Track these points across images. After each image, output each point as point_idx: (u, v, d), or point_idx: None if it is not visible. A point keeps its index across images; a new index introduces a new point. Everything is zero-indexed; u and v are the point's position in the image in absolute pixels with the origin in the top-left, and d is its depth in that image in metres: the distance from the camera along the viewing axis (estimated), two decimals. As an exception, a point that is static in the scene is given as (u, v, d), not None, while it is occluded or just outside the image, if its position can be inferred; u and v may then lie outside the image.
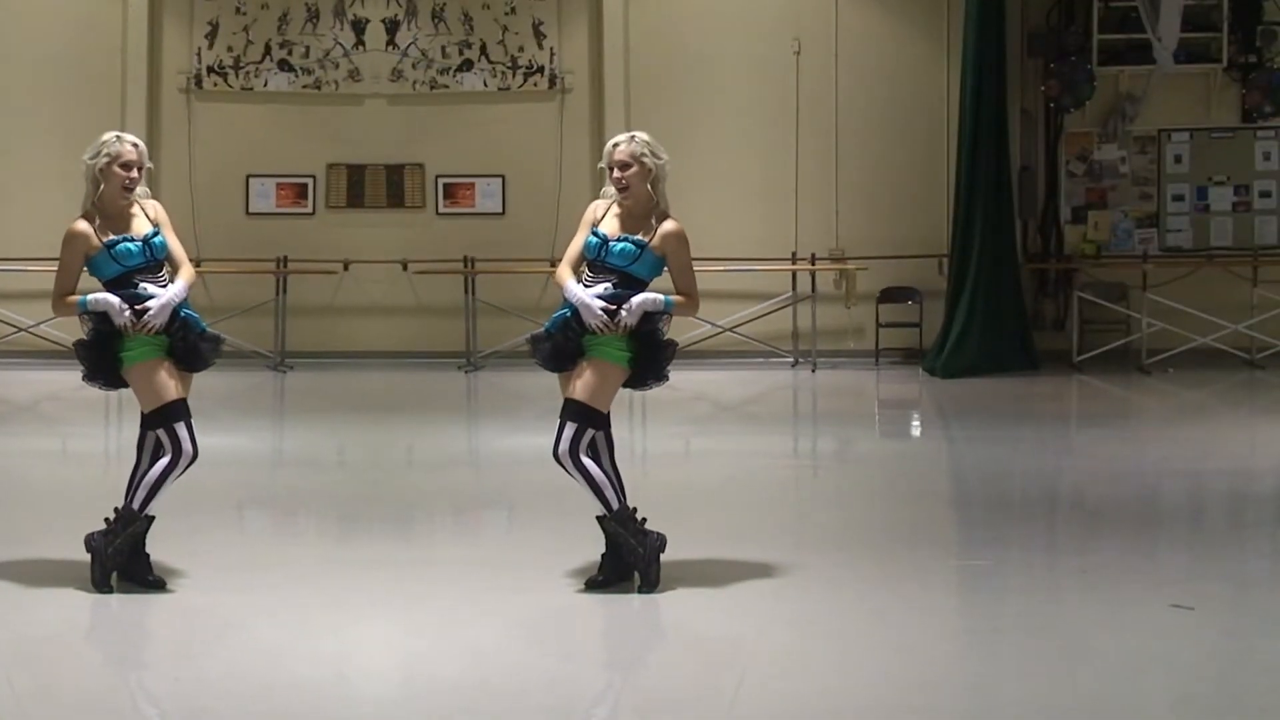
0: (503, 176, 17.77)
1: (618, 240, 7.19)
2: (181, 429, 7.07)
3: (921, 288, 17.47)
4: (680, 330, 7.41)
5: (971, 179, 16.66)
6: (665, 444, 12.34)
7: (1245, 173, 17.77)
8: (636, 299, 7.12)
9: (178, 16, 17.72)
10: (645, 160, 7.21)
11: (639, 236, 7.19)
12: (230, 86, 17.75)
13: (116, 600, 7.03)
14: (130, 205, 7.26)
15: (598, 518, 7.17)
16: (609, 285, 7.16)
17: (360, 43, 17.76)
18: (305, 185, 17.49)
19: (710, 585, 7.28)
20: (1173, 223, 17.85)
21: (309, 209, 17.56)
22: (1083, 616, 6.95)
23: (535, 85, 17.85)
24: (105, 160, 7.18)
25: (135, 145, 7.27)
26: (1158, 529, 9.21)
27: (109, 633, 6.81)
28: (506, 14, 17.83)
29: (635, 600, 7.04)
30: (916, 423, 14.90)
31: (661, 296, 7.18)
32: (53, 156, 16.46)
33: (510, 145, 17.76)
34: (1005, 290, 16.70)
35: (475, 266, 17.21)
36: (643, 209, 7.25)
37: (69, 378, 7.20)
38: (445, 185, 17.69)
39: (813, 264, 17.52)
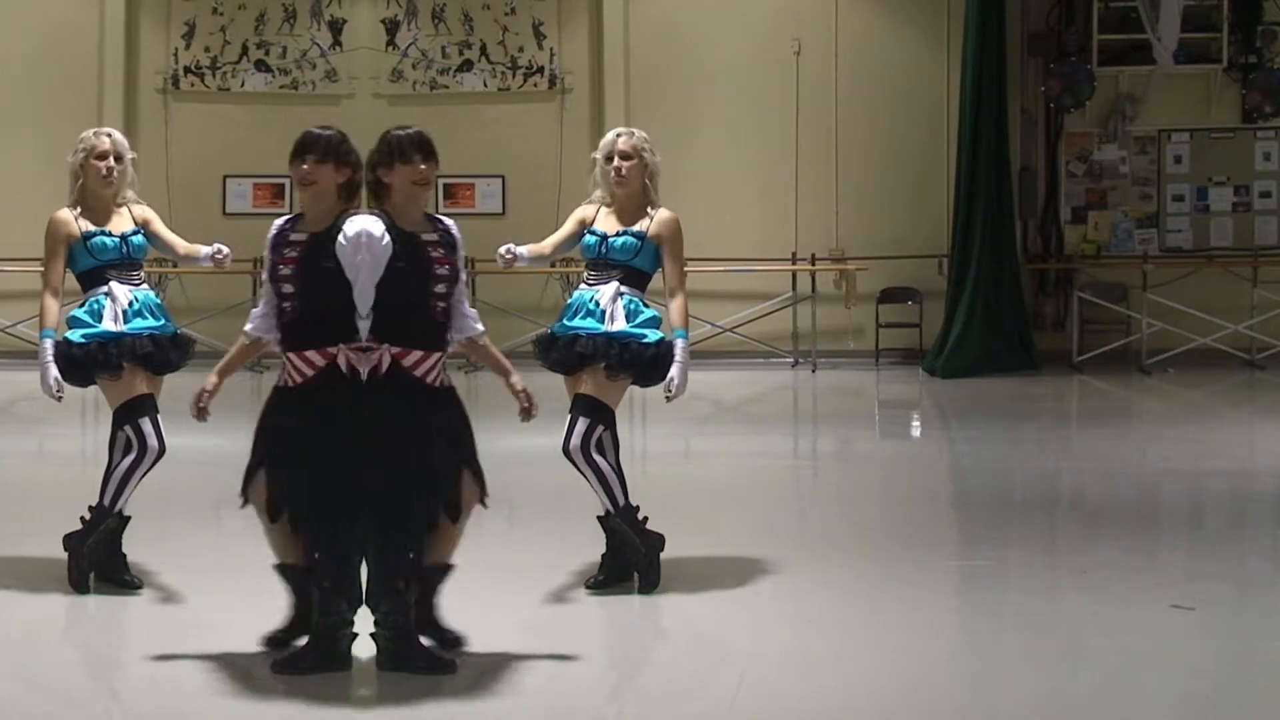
0: (503, 176, 17.79)
1: (617, 235, 7.16)
2: (146, 424, 7.04)
3: (921, 288, 17.48)
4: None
5: (971, 179, 16.67)
6: (665, 444, 12.33)
7: (1245, 173, 17.78)
8: (677, 371, 7.04)
9: (154, 17, 17.75)
10: (645, 155, 7.19)
11: (636, 229, 7.17)
12: (207, 87, 17.79)
13: (93, 600, 6.98)
14: (114, 200, 7.27)
15: (599, 517, 7.16)
16: (616, 283, 7.12)
17: (337, 43, 17.79)
18: (282, 185, 17.48)
19: (710, 585, 7.27)
20: (1173, 223, 17.85)
21: (286, 209, 17.57)
22: (1083, 616, 6.94)
23: (535, 85, 17.87)
24: (83, 155, 7.22)
25: (110, 135, 7.31)
26: (1158, 529, 9.21)
27: (85, 633, 6.76)
28: (506, 14, 17.85)
29: (635, 600, 7.03)
30: (916, 423, 14.89)
31: (679, 343, 7.09)
32: (29, 158, 16.52)
33: (510, 145, 17.76)
34: (1005, 290, 16.72)
35: (475, 266, 17.19)
36: (635, 203, 7.21)
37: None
38: (445, 185, 17.71)
39: (813, 264, 17.52)
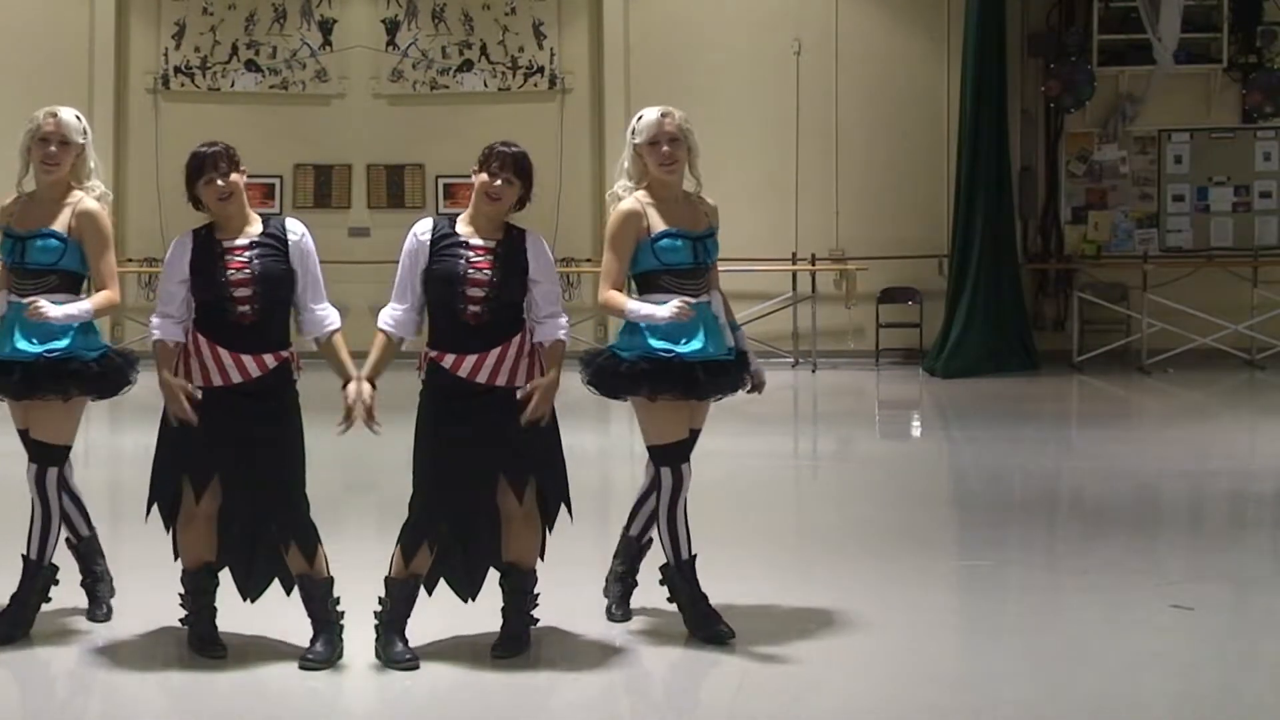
0: (503, 177, 17.77)
1: (705, 235, 6.42)
2: (32, 470, 6.59)
3: (921, 288, 17.48)
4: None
5: (971, 179, 16.67)
6: (665, 444, 12.30)
7: (1245, 173, 17.78)
8: (757, 366, 6.54)
9: (145, 17, 17.75)
10: (690, 136, 6.41)
11: (709, 224, 6.44)
12: (197, 87, 17.78)
13: (76, 603, 6.80)
14: (57, 192, 6.34)
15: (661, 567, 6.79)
16: (716, 291, 6.48)
17: (327, 43, 17.80)
18: (272, 186, 17.46)
19: (710, 585, 7.27)
20: (1173, 223, 17.85)
21: (276, 209, 17.56)
22: (1083, 616, 6.94)
23: (535, 85, 17.87)
24: (27, 136, 6.35)
25: (55, 115, 6.34)
26: (1158, 529, 9.21)
27: (70, 639, 6.66)
28: (506, 14, 17.85)
29: (634, 601, 7.02)
30: (916, 423, 14.89)
31: (740, 335, 6.58)
32: (17, 157, 16.45)
33: (510, 145, 17.74)
34: (1005, 290, 16.72)
35: (477, 267, 17.20)
36: (677, 192, 6.42)
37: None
38: (445, 185, 17.71)
39: (813, 264, 17.52)
